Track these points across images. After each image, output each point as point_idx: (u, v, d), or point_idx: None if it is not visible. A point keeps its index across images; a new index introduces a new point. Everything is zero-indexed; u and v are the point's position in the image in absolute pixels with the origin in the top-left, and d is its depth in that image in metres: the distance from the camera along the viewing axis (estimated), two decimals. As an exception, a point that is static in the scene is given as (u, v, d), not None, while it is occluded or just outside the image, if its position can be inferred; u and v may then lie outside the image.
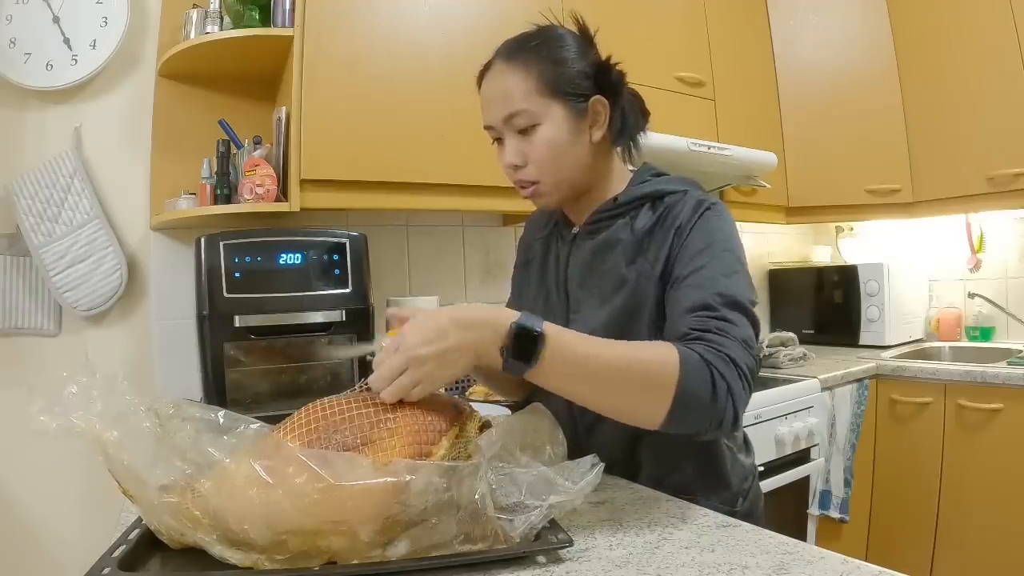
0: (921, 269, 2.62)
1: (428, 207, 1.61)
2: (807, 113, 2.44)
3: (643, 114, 0.94)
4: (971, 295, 2.50)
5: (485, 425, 0.72)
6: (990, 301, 2.46)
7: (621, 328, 0.86)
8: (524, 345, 0.67)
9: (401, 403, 0.67)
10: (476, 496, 0.59)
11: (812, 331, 2.62)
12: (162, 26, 1.59)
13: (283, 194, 1.46)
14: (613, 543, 0.67)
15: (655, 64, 2.01)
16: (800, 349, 2.25)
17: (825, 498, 2.00)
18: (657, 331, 0.85)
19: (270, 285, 1.39)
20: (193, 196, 1.52)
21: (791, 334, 2.30)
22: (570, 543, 0.63)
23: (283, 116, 1.48)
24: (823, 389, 1.97)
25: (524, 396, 1.10)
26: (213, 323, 1.35)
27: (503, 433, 0.70)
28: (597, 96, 0.87)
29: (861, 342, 2.46)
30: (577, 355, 0.69)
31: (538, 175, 0.87)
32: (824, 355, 2.37)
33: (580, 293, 0.94)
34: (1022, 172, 2.07)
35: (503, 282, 2.03)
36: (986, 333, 2.43)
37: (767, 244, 2.82)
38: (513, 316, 0.68)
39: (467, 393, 1.70)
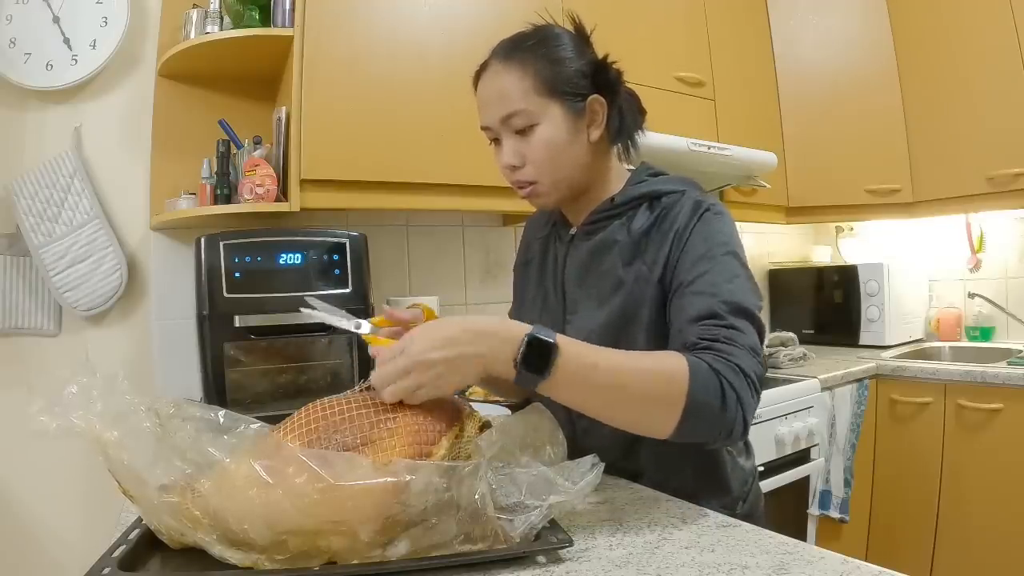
0: (921, 269, 2.62)
1: (428, 207, 1.61)
2: (807, 113, 2.44)
3: (640, 112, 0.93)
4: (971, 295, 2.50)
5: (485, 425, 0.72)
6: (990, 301, 2.46)
7: (618, 330, 0.86)
8: (538, 356, 0.66)
9: (401, 403, 0.67)
10: (476, 496, 0.59)
11: (812, 331, 2.62)
12: (162, 26, 1.59)
13: (283, 194, 1.46)
14: (613, 543, 0.67)
15: (655, 64, 2.01)
16: (800, 349, 2.25)
17: (825, 498, 2.00)
18: (654, 333, 0.84)
19: (270, 285, 1.39)
20: (193, 196, 1.52)
21: (791, 334, 2.30)
22: (570, 543, 0.63)
23: (283, 116, 1.48)
24: (823, 389, 1.97)
25: (524, 397, 1.10)
26: (213, 323, 1.35)
27: (503, 433, 0.70)
28: (595, 95, 0.86)
29: (861, 342, 2.46)
30: (588, 367, 0.68)
31: (536, 175, 0.87)
32: (824, 355, 2.37)
33: (577, 294, 0.94)
34: (1022, 172, 2.07)
35: (503, 282, 2.04)
36: (986, 333, 2.43)
37: (767, 244, 2.82)
38: (526, 328, 0.68)
39: (467, 393, 1.70)
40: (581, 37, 0.89)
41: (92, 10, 1.49)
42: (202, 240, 1.37)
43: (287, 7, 1.46)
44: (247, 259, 1.38)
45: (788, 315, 2.71)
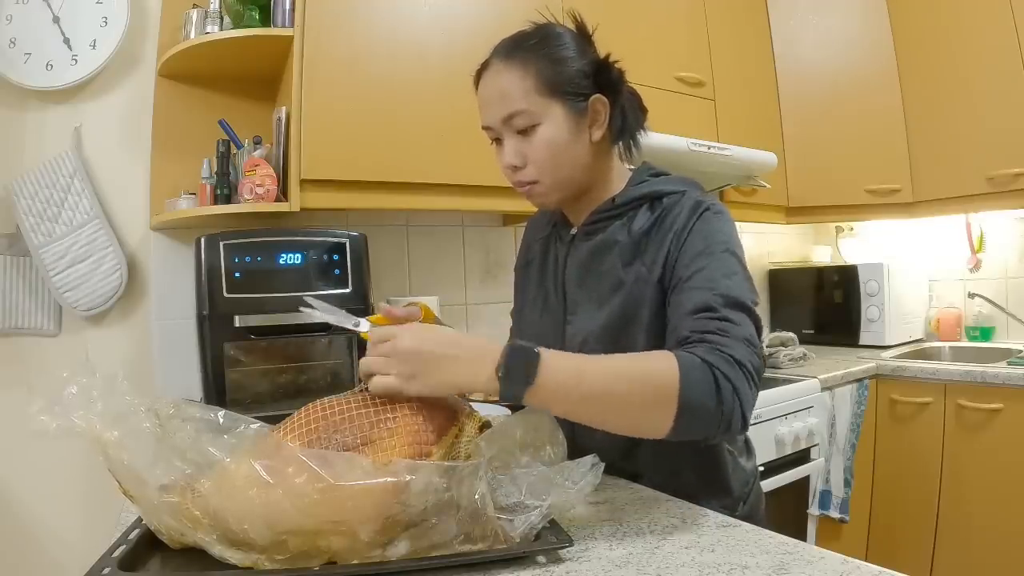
0: (921, 269, 2.62)
1: (428, 207, 1.61)
2: (807, 113, 2.44)
3: (642, 112, 0.93)
4: (971, 295, 2.50)
5: (485, 425, 0.72)
6: (990, 301, 2.46)
7: (618, 331, 0.86)
8: (520, 363, 0.66)
9: (401, 403, 0.67)
10: (476, 496, 0.59)
11: (812, 331, 2.62)
12: (162, 26, 1.59)
13: (283, 194, 1.46)
14: (613, 543, 0.67)
15: (655, 64, 2.01)
16: (800, 349, 2.25)
17: (825, 498, 2.00)
18: (654, 334, 0.84)
19: (270, 285, 1.39)
20: (193, 196, 1.52)
21: (791, 334, 2.30)
22: (570, 543, 0.63)
23: (283, 116, 1.48)
24: (823, 389, 1.97)
25: None
26: (213, 323, 1.35)
27: (503, 433, 0.70)
28: (597, 95, 0.86)
29: (861, 342, 2.46)
30: (573, 375, 0.67)
31: (537, 175, 0.86)
32: (824, 355, 2.37)
33: (578, 294, 0.93)
34: (1022, 172, 2.07)
35: (503, 282, 2.04)
36: (986, 333, 2.43)
37: (767, 244, 2.82)
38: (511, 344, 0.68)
39: (468, 393, 1.70)
40: (583, 36, 0.88)
41: (92, 10, 1.49)
42: (202, 240, 1.37)
43: (287, 7, 1.46)
44: (247, 259, 1.38)
45: (788, 315, 2.71)
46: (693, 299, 0.77)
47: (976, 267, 2.51)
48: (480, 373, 0.66)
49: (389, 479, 0.57)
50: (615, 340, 0.86)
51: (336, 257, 1.46)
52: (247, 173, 1.44)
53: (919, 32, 2.32)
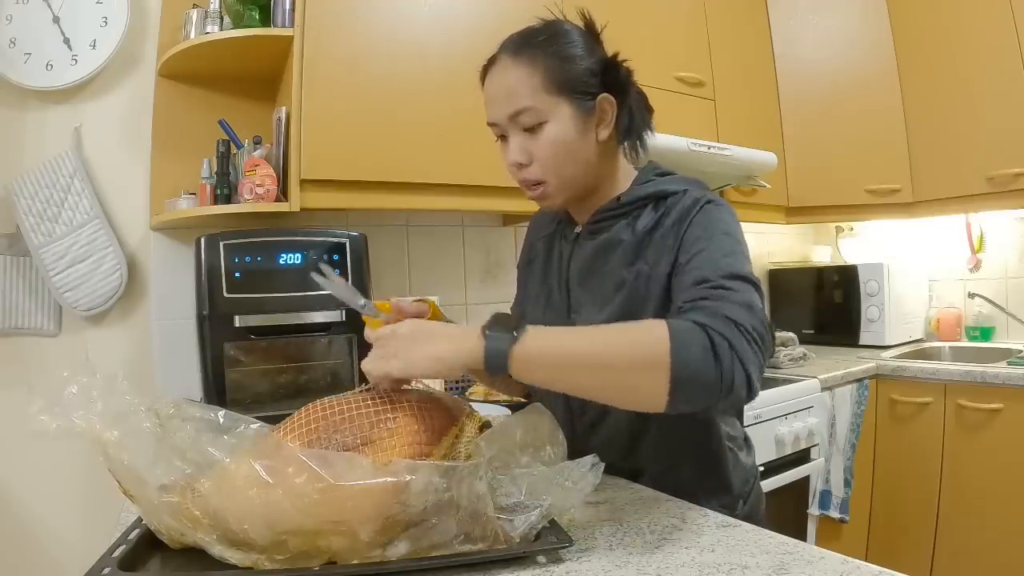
0: (921, 269, 2.62)
1: (428, 207, 1.61)
2: (807, 113, 2.44)
3: (648, 111, 0.92)
4: (971, 295, 2.50)
5: (485, 425, 0.72)
6: (990, 301, 2.46)
7: None
8: (505, 320, 0.67)
9: (401, 403, 0.67)
10: (476, 496, 0.59)
11: (812, 331, 2.62)
12: (162, 26, 1.59)
13: (283, 194, 1.46)
14: (613, 543, 0.67)
15: (655, 64, 2.00)
16: (800, 349, 2.25)
17: (825, 498, 2.00)
18: None
19: (270, 285, 1.39)
20: (193, 196, 1.52)
21: (791, 334, 2.30)
22: (570, 543, 0.63)
23: (283, 116, 1.48)
24: (823, 389, 1.97)
25: (524, 393, 1.10)
26: (213, 323, 1.35)
27: (503, 433, 0.70)
28: (605, 94, 0.85)
29: (861, 342, 2.46)
30: (559, 332, 0.68)
31: (543, 174, 0.86)
32: (824, 355, 2.37)
33: (581, 293, 0.93)
34: (1022, 172, 2.07)
35: (503, 282, 2.04)
36: (986, 333, 2.43)
37: (767, 244, 2.82)
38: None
39: (467, 393, 1.70)
40: (591, 34, 0.88)
41: (92, 10, 1.49)
42: (202, 240, 1.37)
43: (287, 7, 1.46)
44: (247, 259, 1.38)
45: (788, 315, 2.71)
46: (692, 275, 0.77)
47: (976, 267, 2.51)
48: (465, 343, 0.67)
49: (389, 479, 0.57)
50: None
51: (336, 257, 1.46)
52: (247, 173, 1.44)
53: (919, 32, 2.32)
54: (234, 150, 1.55)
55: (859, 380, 2.10)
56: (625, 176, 0.94)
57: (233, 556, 0.58)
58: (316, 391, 1.47)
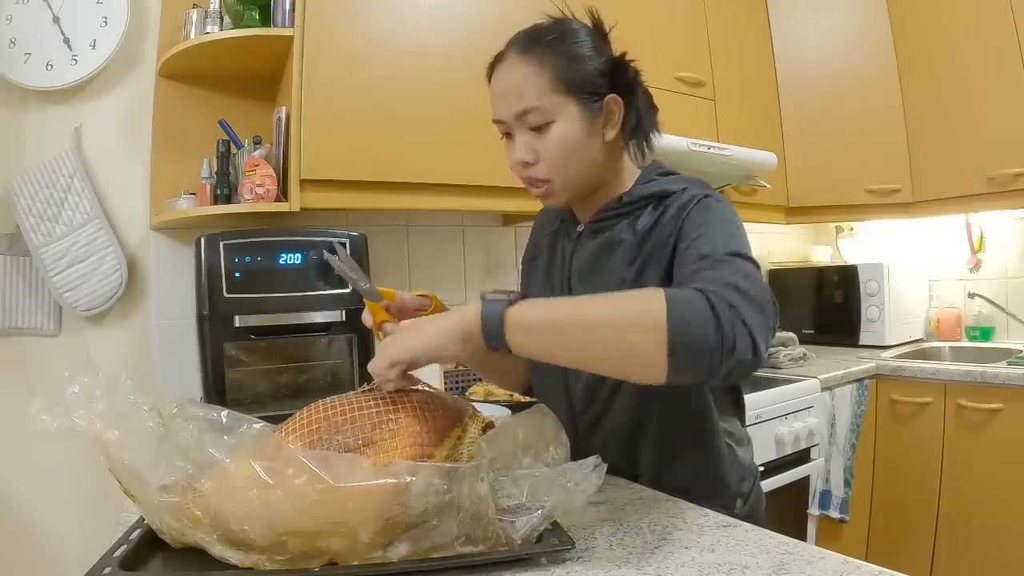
0: (921, 269, 2.62)
1: (428, 207, 1.61)
2: (807, 113, 2.44)
3: (654, 111, 0.92)
4: (971, 295, 2.50)
5: (488, 426, 0.72)
6: (990, 301, 2.46)
7: None
8: (502, 292, 0.70)
9: (404, 404, 0.67)
10: (477, 498, 0.59)
11: (812, 331, 2.62)
12: (162, 26, 1.59)
13: (283, 194, 1.46)
14: (613, 543, 0.67)
15: (655, 64, 1.97)
16: (800, 349, 2.25)
17: (825, 498, 2.00)
18: None
19: (270, 285, 1.39)
20: (193, 196, 1.52)
21: (791, 334, 2.30)
22: (572, 545, 0.63)
23: (283, 116, 1.48)
24: (823, 389, 1.97)
25: (523, 388, 1.09)
26: (213, 323, 1.35)
27: (505, 434, 0.70)
28: (612, 95, 0.85)
29: (861, 342, 2.46)
30: (554, 300, 0.71)
31: (548, 173, 0.85)
32: (824, 355, 2.37)
33: (582, 291, 0.92)
34: (1022, 172, 2.07)
35: (503, 282, 2.04)
36: (986, 333, 2.43)
37: (767, 244, 2.82)
38: None
39: (468, 393, 1.70)
40: (599, 34, 0.87)
41: (92, 10, 1.49)
42: (202, 240, 1.37)
43: (287, 7, 1.46)
44: (247, 259, 1.38)
45: (788, 315, 2.71)
46: (693, 254, 0.77)
47: (976, 267, 2.51)
48: (464, 314, 0.69)
49: (389, 480, 0.57)
50: None
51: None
52: (247, 173, 1.44)
53: (919, 32, 2.32)
54: (234, 150, 1.55)
55: (859, 380, 2.10)
56: (629, 175, 0.94)
57: (234, 556, 0.58)
58: (316, 391, 1.47)
